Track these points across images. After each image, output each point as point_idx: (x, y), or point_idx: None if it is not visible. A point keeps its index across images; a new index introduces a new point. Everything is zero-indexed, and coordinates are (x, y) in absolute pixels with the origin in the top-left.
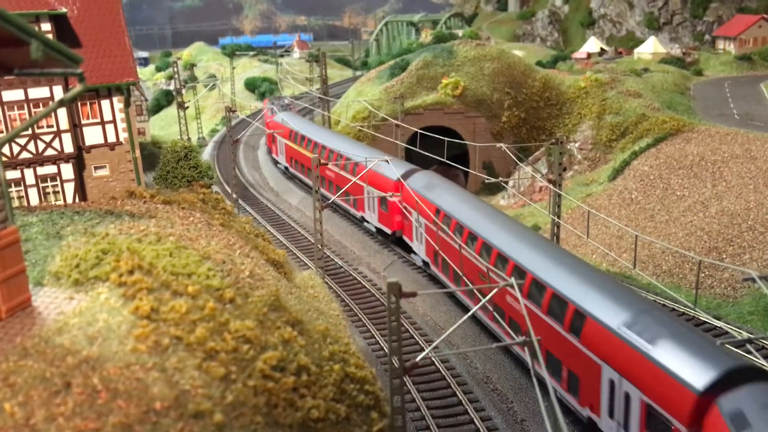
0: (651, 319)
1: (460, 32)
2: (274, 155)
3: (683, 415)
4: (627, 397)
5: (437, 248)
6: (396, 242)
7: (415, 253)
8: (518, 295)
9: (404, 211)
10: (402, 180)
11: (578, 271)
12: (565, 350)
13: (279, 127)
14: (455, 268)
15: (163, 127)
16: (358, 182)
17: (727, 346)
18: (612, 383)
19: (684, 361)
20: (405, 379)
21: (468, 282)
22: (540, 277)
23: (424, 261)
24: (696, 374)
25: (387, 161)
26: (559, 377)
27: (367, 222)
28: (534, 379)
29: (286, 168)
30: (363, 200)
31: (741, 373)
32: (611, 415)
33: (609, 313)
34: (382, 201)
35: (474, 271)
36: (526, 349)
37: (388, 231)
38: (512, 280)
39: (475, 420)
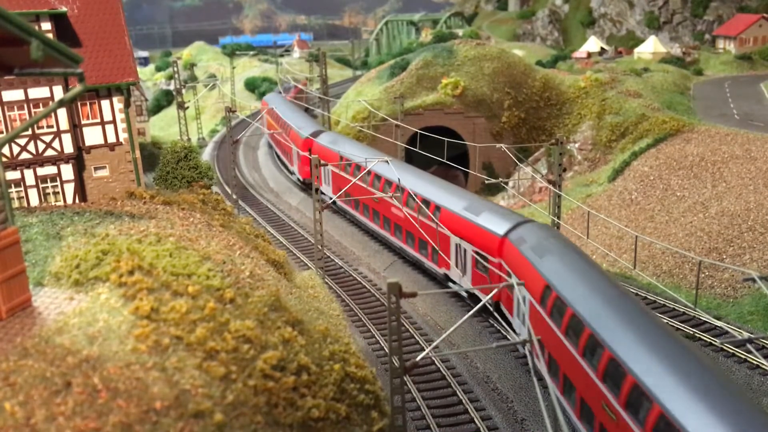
0: (480, 203)
1: (460, 32)
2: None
3: (492, 250)
4: (464, 251)
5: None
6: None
7: (323, 193)
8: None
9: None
10: (312, 138)
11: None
12: (428, 232)
13: (265, 105)
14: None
15: (163, 127)
16: (289, 143)
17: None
18: (456, 246)
19: (493, 222)
20: (405, 378)
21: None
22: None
23: (330, 198)
24: (497, 226)
25: (302, 128)
26: (425, 251)
27: (292, 173)
28: (534, 379)
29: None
30: (293, 157)
31: (521, 223)
32: (456, 265)
33: (453, 202)
34: (299, 156)
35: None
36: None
37: (301, 178)
38: (513, 280)
39: (476, 419)
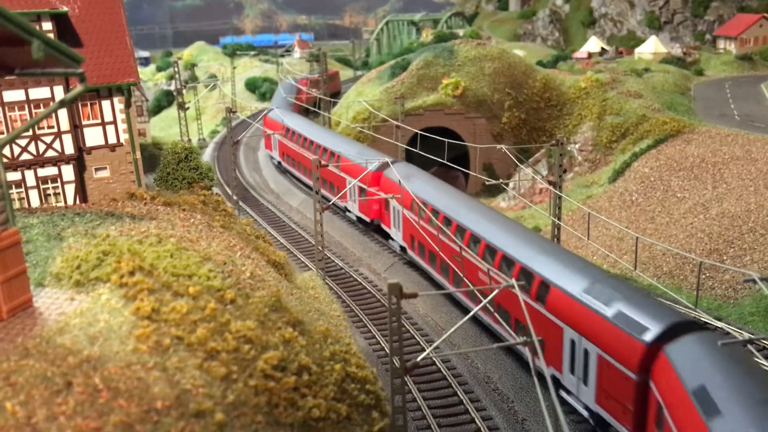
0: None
1: (460, 32)
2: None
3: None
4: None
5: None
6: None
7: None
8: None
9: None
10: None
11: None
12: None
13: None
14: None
15: (164, 128)
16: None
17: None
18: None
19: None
20: (406, 378)
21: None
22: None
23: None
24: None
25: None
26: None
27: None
28: (535, 379)
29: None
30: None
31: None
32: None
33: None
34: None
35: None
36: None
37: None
38: (513, 281)
39: (476, 420)
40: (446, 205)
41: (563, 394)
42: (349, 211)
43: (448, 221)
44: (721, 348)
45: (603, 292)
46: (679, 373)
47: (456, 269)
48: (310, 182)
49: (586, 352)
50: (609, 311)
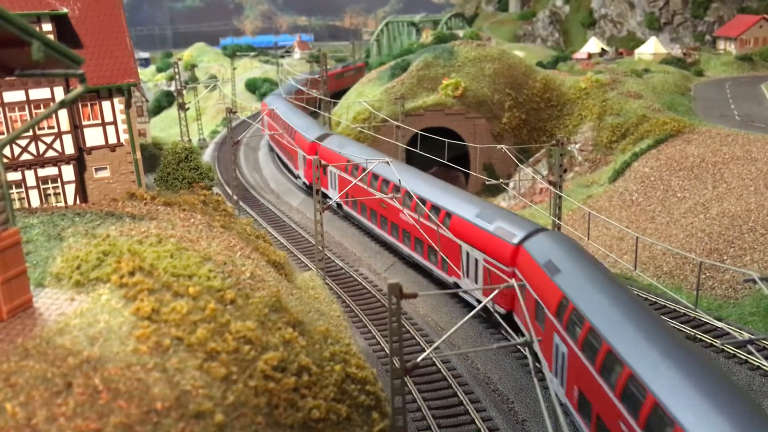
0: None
1: (460, 33)
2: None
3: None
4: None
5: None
6: None
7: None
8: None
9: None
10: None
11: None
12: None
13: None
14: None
15: (164, 128)
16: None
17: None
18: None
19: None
20: (406, 379)
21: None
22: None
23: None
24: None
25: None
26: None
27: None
28: (535, 380)
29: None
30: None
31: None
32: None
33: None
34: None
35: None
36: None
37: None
38: (513, 282)
39: (476, 420)
40: (287, 115)
41: (461, 293)
42: (299, 177)
43: (375, 177)
44: (559, 238)
45: (487, 215)
46: (533, 256)
47: (382, 215)
48: (280, 152)
49: (476, 260)
50: (491, 227)
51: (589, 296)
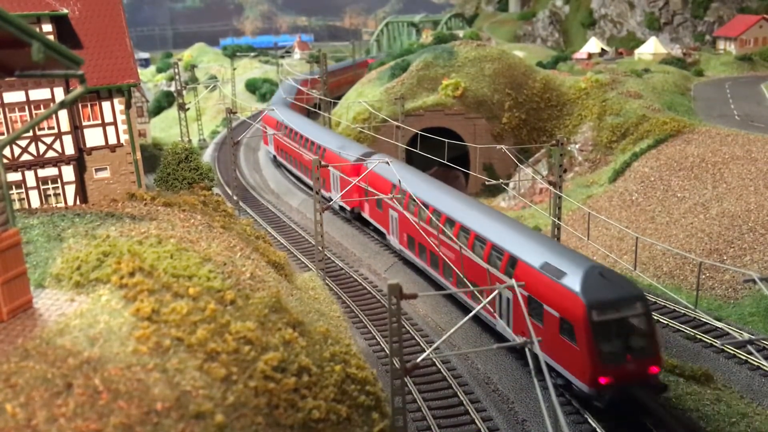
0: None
1: (460, 33)
2: None
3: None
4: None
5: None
6: None
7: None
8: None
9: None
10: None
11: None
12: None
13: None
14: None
15: (164, 128)
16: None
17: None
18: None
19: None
20: (406, 379)
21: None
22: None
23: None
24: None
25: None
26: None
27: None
28: (535, 380)
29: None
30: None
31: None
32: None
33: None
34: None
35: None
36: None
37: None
38: (513, 281)
39: (476, 420)
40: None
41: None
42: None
43: (307, 140)
44: (401, 164)
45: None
46: (376, 171)
47: (302, 163)
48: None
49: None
50: (351, 158)
51: (413, 185)
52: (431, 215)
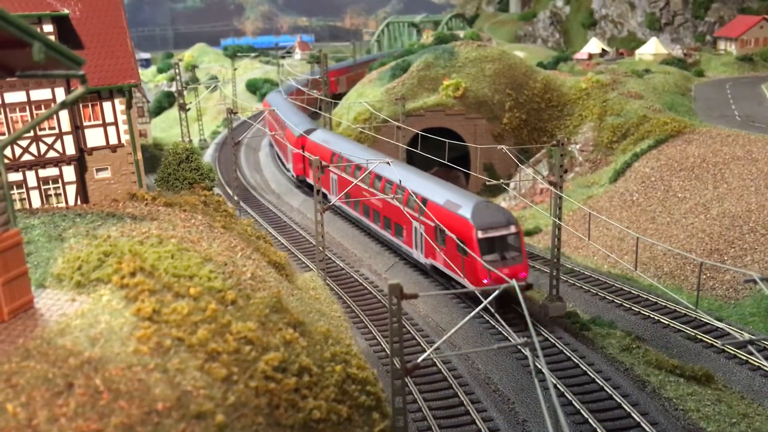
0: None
1: (461, 33)
2: None
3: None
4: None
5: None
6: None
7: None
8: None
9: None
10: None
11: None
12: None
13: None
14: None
15: (165, 129)
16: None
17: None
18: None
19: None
20: (407, 380)
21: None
22: None
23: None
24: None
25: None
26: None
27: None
28: (535, 380)
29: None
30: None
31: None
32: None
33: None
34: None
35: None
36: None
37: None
38: (513, 281)
39: (477, 421)
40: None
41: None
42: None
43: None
44: (327, 132)
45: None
46: (313, 139)
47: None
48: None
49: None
50: (298, 131)
51: (348, 152)
52: (363, 174)
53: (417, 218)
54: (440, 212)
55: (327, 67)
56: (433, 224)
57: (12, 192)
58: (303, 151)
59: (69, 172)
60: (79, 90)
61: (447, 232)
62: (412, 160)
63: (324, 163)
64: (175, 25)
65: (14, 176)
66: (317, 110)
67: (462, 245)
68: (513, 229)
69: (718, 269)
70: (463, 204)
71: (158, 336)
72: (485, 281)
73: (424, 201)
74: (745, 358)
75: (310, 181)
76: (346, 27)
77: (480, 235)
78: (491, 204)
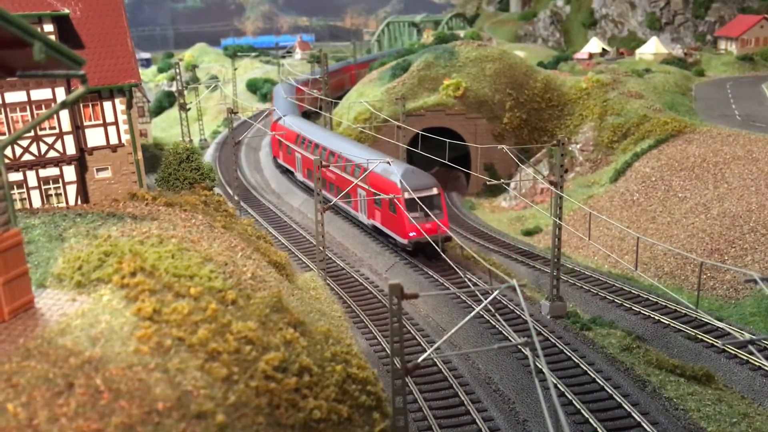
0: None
1: (461, 33)
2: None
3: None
4: None
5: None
6: None
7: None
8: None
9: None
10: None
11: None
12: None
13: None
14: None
15: (165, 128)
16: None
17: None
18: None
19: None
20: (407, 379)
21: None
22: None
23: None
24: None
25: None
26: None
27: None
28: (536, 380)
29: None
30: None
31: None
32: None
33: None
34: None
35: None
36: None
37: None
38: (514, 281)
39: (477, 420)
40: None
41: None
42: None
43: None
44: (297, 118)
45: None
46: (285, 124)
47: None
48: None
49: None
50: (279, 116)
51: (310, 133)
52: (321, 151)
53: (362, 186)
54: (378, 179)
55: (327, 67)
56: (372, 189)
57: (12, 192)
58: (275, 134)
59: (69, 172)
60: (80, 90)
61: (382, 195)
62: (412, 159)
63: (290, 144)
64: (175, 24)
65: (15, 176)
66: (318, 110)
67: (393, 205)
68: (435, 190)
69: (719, 269)
70: (394, 171)
71: (159, 336)
72: (412, 234)
73: (366, 171)
74: (745, 358)
75: (280, 161)
76: (346, 27)
77: (407, 195)
78: (418, 170)
